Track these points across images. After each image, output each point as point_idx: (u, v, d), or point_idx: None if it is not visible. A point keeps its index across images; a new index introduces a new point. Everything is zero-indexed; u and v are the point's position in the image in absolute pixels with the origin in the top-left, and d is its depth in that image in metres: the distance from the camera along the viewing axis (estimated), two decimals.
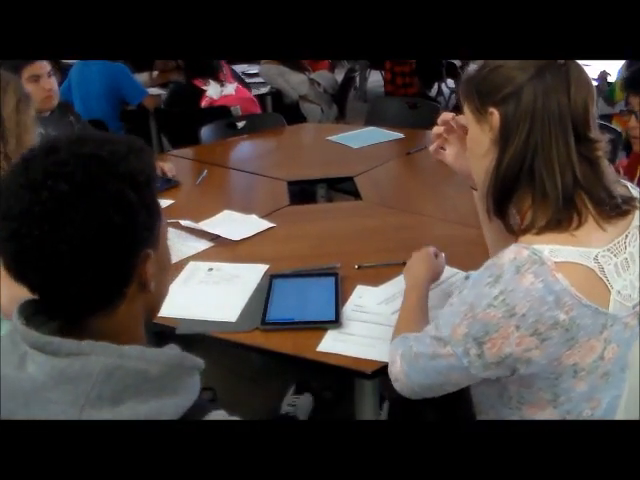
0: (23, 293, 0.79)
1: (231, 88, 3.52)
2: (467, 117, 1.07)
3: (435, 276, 1.44)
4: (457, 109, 4.22)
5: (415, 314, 1.27)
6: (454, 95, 5.94)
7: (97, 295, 0.75)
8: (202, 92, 3.42)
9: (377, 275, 1.62)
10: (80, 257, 0.71)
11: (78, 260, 0.71)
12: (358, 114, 5.46)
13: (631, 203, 0.98)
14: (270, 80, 4.35)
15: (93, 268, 0.73)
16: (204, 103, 3.42)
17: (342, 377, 2.10)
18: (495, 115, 0.98)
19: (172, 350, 0.77)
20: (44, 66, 2.30)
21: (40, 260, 0.71)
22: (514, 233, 1.00)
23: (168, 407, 0.74)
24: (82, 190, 0.71)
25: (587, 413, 0.94)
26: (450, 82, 6.03)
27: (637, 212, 0.99)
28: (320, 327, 1.39)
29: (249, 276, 1.65)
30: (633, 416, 0.97)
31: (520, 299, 0.88)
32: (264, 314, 1.45)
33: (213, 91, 3.42)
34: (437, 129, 1.31)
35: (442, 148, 1.33)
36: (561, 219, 0.94)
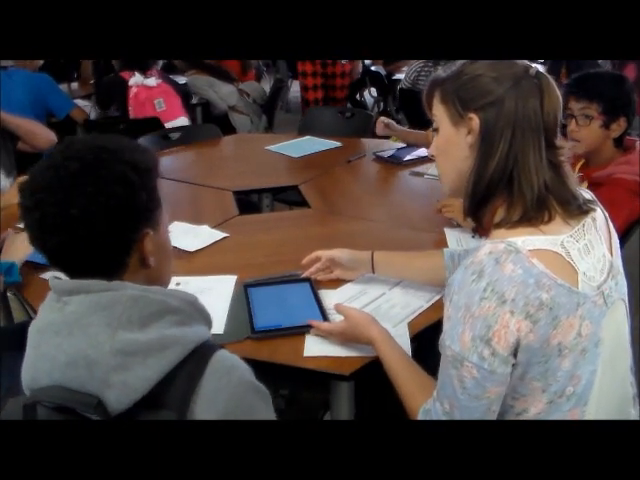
0: None
1: (153, 81, 3.62)
2: (441, 118, 1.10)
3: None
4: (384, 115, 4.27)
5: (410, 371, 1.22)
6: (377, 104, 6.09)
7: (103, 258, 0.90)
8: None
9: (340, 280, 1.67)
10: (89, 222, 0.87)
11: (88, 225, 0.87)
12: (284, 124, 5.50)
13: (590, 205, 1.09)
14: (199, 91, 4.31)
15: (100, 233, 0.88)
16: (131, 95, 3.55)
17: (299, 383, 2.12)
18: (475, 120, 1.04)
19: (187, 292, 0.95)
20: None
21: (58, 224, 0.86)
22: (484, 228, 1.08)
23: (188, 334, 0.88)
24: (91, 169, 0.88)
25: (569, 390, 1.01)
26: (373, 91, 6.16)
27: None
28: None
29: (221, 287, 1.65)
30: (607, 389, 1.05)
31: (506, 285, 0.95)
32: (251, 323, 1.45)
33: (136, 80, 3.55)
34: (310, 272, 1.63)
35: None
36: (533, 216, 1.03)
